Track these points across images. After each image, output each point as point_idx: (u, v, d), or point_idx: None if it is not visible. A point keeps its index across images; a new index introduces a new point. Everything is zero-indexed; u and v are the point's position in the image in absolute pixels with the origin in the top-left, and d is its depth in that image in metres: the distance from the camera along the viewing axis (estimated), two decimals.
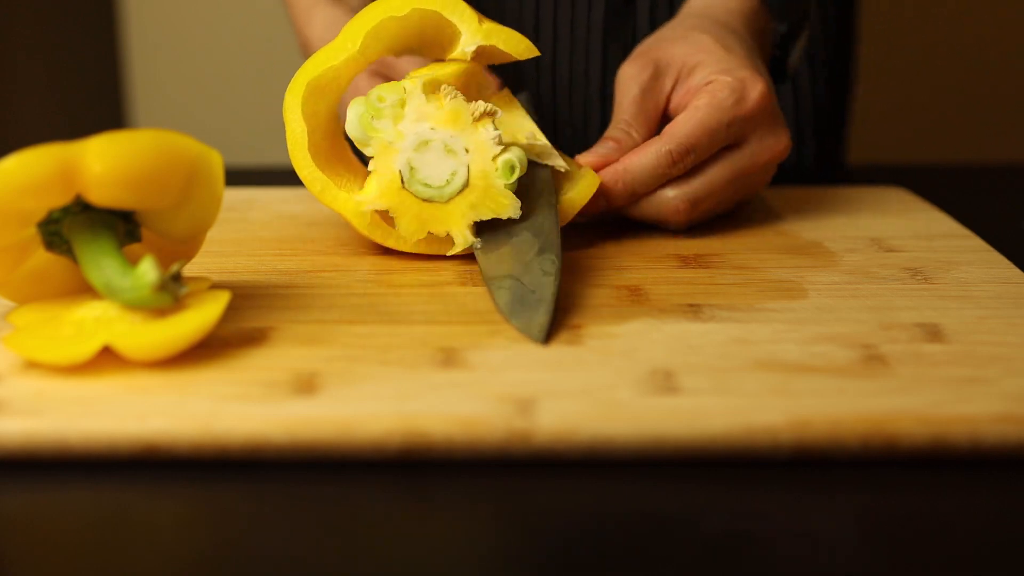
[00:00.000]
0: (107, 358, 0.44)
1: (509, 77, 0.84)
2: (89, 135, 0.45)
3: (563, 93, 0.84)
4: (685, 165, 0.59)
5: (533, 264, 0.53)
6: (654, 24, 0.81)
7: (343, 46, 0.57)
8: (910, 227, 0.63)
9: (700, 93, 0.60)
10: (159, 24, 1.86)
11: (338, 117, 0.60)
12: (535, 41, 0.83)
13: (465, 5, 0.57)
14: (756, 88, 0.60)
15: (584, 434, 0.40)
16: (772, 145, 0.62)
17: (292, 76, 0.57)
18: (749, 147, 0.61)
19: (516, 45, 0.58)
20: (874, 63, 1.54)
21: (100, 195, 0.45)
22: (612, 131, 0.62)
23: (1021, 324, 0.49)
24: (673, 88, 0.63)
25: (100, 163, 0.44)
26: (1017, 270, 0.56)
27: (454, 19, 0.57)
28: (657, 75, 0.63)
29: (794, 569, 0.35)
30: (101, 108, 1.68)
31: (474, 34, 0.57)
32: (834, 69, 0.88)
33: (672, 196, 0.60)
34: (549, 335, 0.48)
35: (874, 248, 0.60)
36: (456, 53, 0.58)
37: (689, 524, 0.37)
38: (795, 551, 0.36)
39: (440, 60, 0.60)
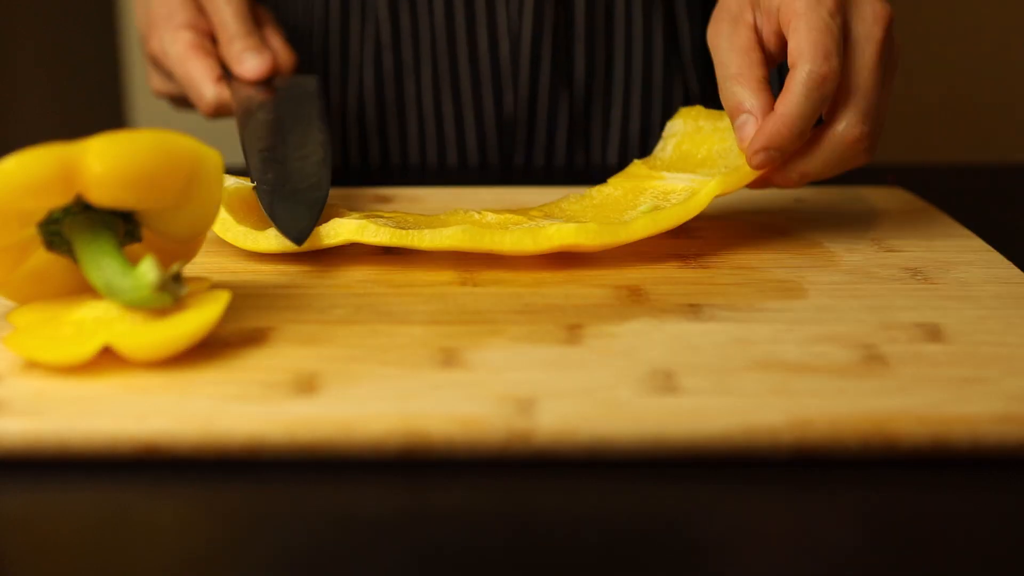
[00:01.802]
0: (107, 358, 0.44)
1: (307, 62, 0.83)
2: (89, 135, 0.45)
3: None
4: (832, 71, 0.54)
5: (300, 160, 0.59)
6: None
7: None
8: (910, 227, 0.63)
9: (787, 7, 0.55)
10: None
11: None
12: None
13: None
14: None
15: (584, 434, 0.40)
16: (879, 11, 0.57)
17: None
18: (864, 24, 0.56)
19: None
20: None
21: (100, 195, 0.45)
22: (738, 98, 0.56)
23: (1021, 324, 0.49)
24: (756, 18, 0.58)
25: (100, 163, 0.44)
26: (1017, 270, 0.56)
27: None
28: (736, 19, 0.58)
29: (794, 569, 0.35)
30: (101, 108, 1.68)
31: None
32: None
33: (844, 124, 0.55)
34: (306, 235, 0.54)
35: (874, 248, 0.60)
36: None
37: (689, 524, 0.37)
38: (795, 551, 0.36)
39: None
